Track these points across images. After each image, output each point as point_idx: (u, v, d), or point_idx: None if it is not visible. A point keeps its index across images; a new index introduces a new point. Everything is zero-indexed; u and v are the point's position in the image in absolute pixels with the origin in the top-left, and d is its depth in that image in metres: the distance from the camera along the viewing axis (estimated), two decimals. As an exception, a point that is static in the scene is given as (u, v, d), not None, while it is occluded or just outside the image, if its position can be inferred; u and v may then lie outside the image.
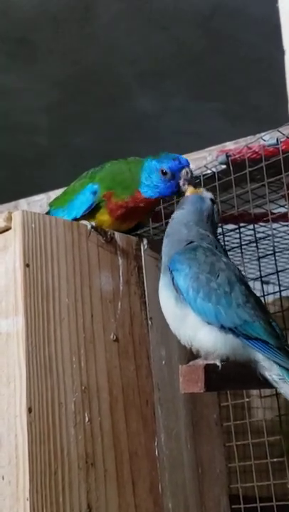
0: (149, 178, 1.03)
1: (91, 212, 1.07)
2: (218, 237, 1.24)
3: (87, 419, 0.92)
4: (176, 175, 1.01)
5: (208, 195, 0.99)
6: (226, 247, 1.34)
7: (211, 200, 0.99)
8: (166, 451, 1.01)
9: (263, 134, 1.25)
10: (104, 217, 1.07)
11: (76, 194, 1.09)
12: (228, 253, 1.36)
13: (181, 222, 0.97)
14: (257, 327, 0.88)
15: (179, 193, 1.03)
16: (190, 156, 1.40)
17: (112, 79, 2.09)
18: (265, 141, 1.21)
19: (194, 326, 0.89)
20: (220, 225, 1.26)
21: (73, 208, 1.08)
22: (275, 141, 1.19)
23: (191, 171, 1.01)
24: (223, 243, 1.30)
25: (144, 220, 1.14)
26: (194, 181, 1.02)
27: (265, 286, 1.53)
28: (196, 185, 1.02)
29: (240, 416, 1.21)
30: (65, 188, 1.19)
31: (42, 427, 0.87)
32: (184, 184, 1.00)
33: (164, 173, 1.01)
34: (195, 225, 0.96)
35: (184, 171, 1.01)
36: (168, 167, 1.01)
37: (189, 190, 1.00)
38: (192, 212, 0.97)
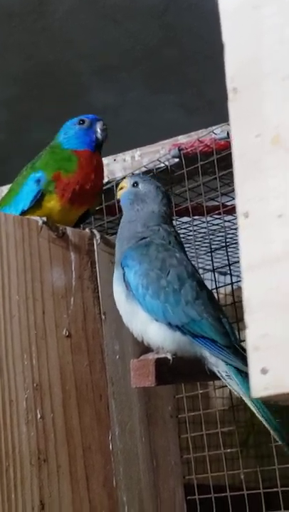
0: (68, 132, 1.11)
1: (37, 203, 1.07)
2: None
3: (39, 415, 0.92)
4: (94, 124, 1.09)
5: (132, 180, 1.00)
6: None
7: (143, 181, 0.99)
8: (120, 445, 1.01)
9: (214, 127, 1.26)
10: (51, 203, 1.07)
11: (20, 188, 1.10)
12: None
13: (132, 218, 0.97)
14: (204, 325, 0.88)
15: (97, 144, 1.09)
16: (143, 150, 1.40)
17: (69, 73, 2.08)
18: (216, 134, 1.22)
19: (144, 322, 0.90)
20: (174, 217, 1.26)
21: (20, 200, 1.09)
22: (225, 134, 1.20)
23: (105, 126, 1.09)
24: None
25: (92, 204, 1.14)
26: (105, 135, 1.08)
27: (222, 276, 1.55)
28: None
29: (196, 406, 1.22)
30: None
31: (-8, 425, 0.87)
32: (100, 134, 1.08)
33: (82, 122, 1.10)
34: (146, 219, 0.97)
35: (100, 122, 1.09)
36: (86, 117, 1.10)
37: (119, 193, 1.02)
38: (142, 206, 0.97)
